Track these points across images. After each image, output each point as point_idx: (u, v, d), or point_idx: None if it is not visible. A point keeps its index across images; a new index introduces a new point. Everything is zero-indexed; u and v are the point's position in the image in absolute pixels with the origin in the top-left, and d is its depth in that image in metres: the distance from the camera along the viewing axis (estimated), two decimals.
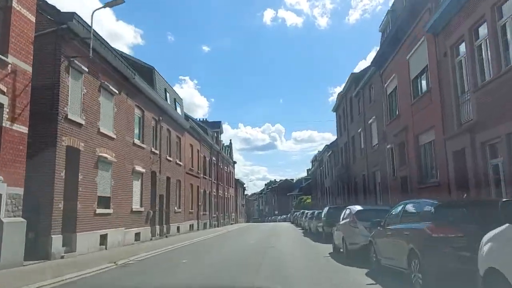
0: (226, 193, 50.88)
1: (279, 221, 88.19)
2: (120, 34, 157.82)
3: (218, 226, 42.40)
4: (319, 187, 56.50)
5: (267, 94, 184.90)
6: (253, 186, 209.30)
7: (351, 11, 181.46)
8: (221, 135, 46.65)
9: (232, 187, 58.07)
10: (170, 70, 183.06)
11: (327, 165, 45.92)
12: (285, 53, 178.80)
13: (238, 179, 64.44)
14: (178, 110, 28.20)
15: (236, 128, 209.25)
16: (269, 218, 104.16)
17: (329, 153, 42.69)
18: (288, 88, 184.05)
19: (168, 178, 24.50)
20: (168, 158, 24.70)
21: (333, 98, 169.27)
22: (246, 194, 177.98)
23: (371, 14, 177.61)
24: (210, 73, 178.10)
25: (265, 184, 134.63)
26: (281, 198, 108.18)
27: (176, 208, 26.21)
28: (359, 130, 27.26)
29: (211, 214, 39.37)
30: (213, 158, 41.28)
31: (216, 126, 44.53)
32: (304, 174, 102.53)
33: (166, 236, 22.90)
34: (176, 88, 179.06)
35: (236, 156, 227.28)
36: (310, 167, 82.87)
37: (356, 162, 29.34)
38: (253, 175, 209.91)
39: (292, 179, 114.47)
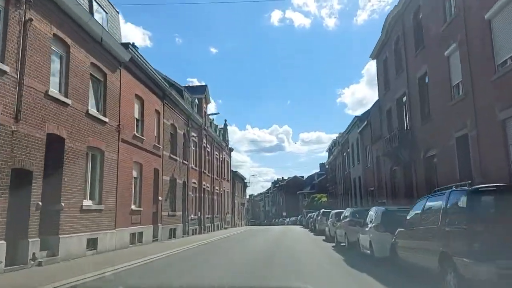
0: (217, 188, 37.75)
1: (287, 224, 75.17)
2: (129, 36, 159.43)
3: (201, 233, 29.29)
4: (341, 180, 43.20)
5: (275, 95, 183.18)
6: (261, 187, 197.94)
7: (359, 11, 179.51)
8: (208, 105, 33.44)
9: (227, 180, 44.93)
10: (178, 72, 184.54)
11: (356, 146, 32.64)
12: (292, 54, 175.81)
13: (236, 172, 51.25)
14: (102, 22, 15.06)
15: (243, 130, 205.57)
16: (276, 221, 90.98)
17: (362, 127, 29.38)
18: (296, 89, 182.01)
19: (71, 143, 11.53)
20: (80, 109, 11.99)
21: (340, 100, 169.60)
22: (252, 194, 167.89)
23: (380, 15, 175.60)
24: (218, 75, 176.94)
25: (272, 183, 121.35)
26: (289, 197, 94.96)
27: (87, 203, 13.17)
28: (446, 53, 13.98)
29: (188, 216, 26.24)
30: (193, 135, 28.22)
31: (199, 91, 31.28)
32: (316, 169, 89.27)
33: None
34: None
35: (243, 157, 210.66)
36: (324, 162, 70.89)
37: (432, 119, 16.04)
38: (261, 176, 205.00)
39: (302, 176, 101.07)
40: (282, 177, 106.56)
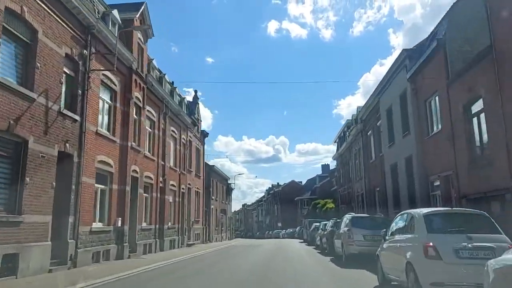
0: (174, 184, 24.35)
1: (283, 237, 61.64)
2: None
3: (123, 257, 15.82)
4: (360, 176, 30.05)
5: (271, 106, 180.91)
6: (257, 199, 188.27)
7: (355, 23, 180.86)
8: (150, 40, 19.98)
9: (198, 176, 31.57)
10: (174, 81, 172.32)
11: (400, 107, 19.35)
12: (289, 65, 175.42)
13: (213, 167, 37.82)
14: None
15: (240, 140, 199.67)
16: (270, 233, 77.32)
17: (419, 64, 16.14)
18: (292, 100, 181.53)
19: None
20: None
21: (336, 111, 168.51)
22: (245, 204, 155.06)
23: (375, 26, 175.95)
24: (213, 85, 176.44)
25: (266, 190, 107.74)
26: (286, 206, 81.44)
27: None
28: None
29: (115, 224, 12.88)
30: (113, 81, 15.01)
31: (131, 9, 18.14)
32: (318, 171, 75.90)
33: None
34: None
35: (240, 168, 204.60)
36: (326, 163, 58.15)
37: None
38: (257, 187, 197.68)
39: (300, 182, 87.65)
40: (278, 183, 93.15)
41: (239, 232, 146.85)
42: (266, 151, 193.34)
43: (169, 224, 22.96)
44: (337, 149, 40.11)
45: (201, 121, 33.49)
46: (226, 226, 45.55)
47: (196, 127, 31.36)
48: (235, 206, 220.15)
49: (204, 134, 34.11)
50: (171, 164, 23.90)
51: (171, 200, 23.68)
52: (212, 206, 36.99)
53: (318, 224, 29.46)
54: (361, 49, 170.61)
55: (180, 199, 25.42)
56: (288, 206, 79.08)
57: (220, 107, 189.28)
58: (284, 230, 65.08)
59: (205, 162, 35.53)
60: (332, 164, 59.68)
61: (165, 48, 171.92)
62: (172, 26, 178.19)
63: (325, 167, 69.24)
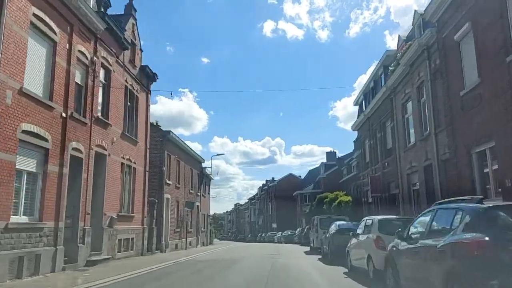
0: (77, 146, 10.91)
1: (279, 241, 48.48)
2: None
3: None
4: (400, 149, 16.90)
5: (267, 107, 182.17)
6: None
7: (351, 24, 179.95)
8: None
9: (133, 142, 18.26)
10: (170, 82, 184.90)
11: None
12: (285, 65, 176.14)
13: (169, 133, 23.91)
14: None
15: (235, 142, 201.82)
16: (263, 236, 64.13)
17: None
18: (288, 101, 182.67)
19: None
20: None
21: (332, 113, 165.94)
22: (237, 203, 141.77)
23: (372, 28, 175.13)
24: (209, 85, 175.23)
25: (259, 187, 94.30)
26: (282, 203, 68.32)
27: None
28: None
29: None
30: None
31: None
32: (322, 159, 62.20)
33: None
34: (175, 101, 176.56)
35: (235, 170, 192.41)
36: (331, 151, 44.93)
37: None
38: (253, 189, 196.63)
39: (300, 176, 74.30)
40: (273, 178, 79.60)
41: (226, 235, 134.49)
42: (262, 152, 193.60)
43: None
44: (362, 111, 26.69)
45: (141, 50, 20.03)
46: (198, 227, 32.09)
47: (130, 57, 18.00)
48: (228, 206, 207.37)
49: (148, 75, 20.62)
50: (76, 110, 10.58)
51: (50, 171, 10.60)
52: (166, 196, 23.53)
53: (343, 223, 16.53)
54: (357, 50, 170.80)
55: (66, 171, 12.14)
56: (285, 203, 65.95)
57: (215, 108, 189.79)
58: (280, 233, 51.76)
59: (152, 124, 22.16)
60: (343, 148, 46.31)
61: (161, 48, 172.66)
62: (167, 26, 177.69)
63: (330, 154, 56.02)
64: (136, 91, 19.22)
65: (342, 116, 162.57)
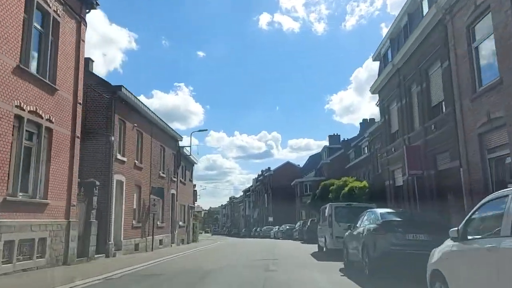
0: None
1: (276, 237, 42.08)
2: (114, 39, 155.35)
3: None
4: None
5: (264, 101, 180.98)
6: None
7: (348, 16, 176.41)
8: None
9: (50, 91, 11.28)
10: (165, 76, 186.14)
11: None
12: (281, 58, 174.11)
13: (120, 89, 17.07)
14: None
15: (232, 136, 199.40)
16: (259, 230, 57.65)
17: None
18: (284, 95, 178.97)
19: None
20: None
21: (328, 106, 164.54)
22: (233, 197, 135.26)
23: (368, 20, 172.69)
24: (205, 79, 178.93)
25: (254, 178, 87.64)
26: (279, 195, 61.77)
27: None
28: None
29: None
30: None
31: None
32: (323, 141, 55.16)
33: None
34: (171, 95, 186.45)
35: (231, 164, 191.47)
36: (335, 134, 38.22)
37: None
38: (249, 183, 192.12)
39: (298, 165, 67.61)
40: (268, 168, 72.75)
41: (220, 229, 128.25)
42: (258, 146, 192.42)
43: None
44: (385, 65, 19.79)
45: None
46: (173, 221, 25.30)
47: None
48: (225, 200, 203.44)
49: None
50: None
51: None
52: (118, 177, 16.68)
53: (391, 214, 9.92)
54: (354, 43, 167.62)
55: None
56: (283, 195, 59.32)
57: (211, 102, 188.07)
58: (277, 227, 45.07)
59: (91, 73, 15.33)
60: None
61: (156, 41, 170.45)
62: (162, 19, 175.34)
63: (334, 138, 49.22)
64: (56, 12, 12.31)
65: (339, 109, 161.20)
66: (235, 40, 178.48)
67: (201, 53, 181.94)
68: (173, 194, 25.50)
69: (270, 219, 61.38)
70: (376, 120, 33.05)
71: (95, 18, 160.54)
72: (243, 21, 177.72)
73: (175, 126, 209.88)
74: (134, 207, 18.89)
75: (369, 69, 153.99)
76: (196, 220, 40.10)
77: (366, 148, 34.66)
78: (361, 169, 34.87)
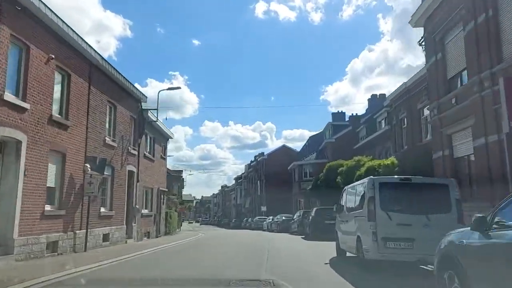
0: None
1: (269, 229, 35.75)
2: (108, 25, 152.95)
3: None
4: None
5: (259, 91, 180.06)
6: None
7: (345, 6, 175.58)
8: None
9: None
10: (160, 64, 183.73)
11: None
12: (277, 48, 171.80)
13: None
14: None
15: (226, 126, 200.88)
16: (250, 221, 51.34)
17: None
18: (280, 85, 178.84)
19: None
20: None
21: (324, 97, 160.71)
22: (225, 185, 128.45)
23: (365, 11, 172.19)
24: (200, 68, 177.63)
25: (246, 165, 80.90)
26: (273, 182, 55.35)
27: None
28: None
29: None
30: None
31: None
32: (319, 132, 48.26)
33: None
34: (166, 84, 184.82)
35: (226, 154, 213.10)
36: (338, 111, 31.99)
37: None
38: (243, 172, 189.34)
39: (295, 149, 60.80)
40: (262, 152, 65.94)
41: (212, 219, 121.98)
42: (253, 137, 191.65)
43: None
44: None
45: None
46: (131, 208, 18.40)
47: None
48: (216, 190, 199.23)
49: None
50: None
51: None
52: (10, 134, 9.74)
53: None
54: (350, 33, 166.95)
55: None
56: (278, 182, 52.88)
57: (206, 91, 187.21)
58: (271, 218, 38.45)
59: None
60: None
61: (151, 28, 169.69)
62: (157, 6, 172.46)
63: (338, 115, 42.41)
64: None
65: (334, 100, 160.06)
66: (231, 29, 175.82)
67: (196, 42, 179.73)
68: (131, 172, 18.67)
69: (263, 208, 54.89)
70: (387, 95, 26.51)
71: (88, 3, 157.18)
72: (239, 10, 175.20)
73: (170, 115, 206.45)
74: (51, 184, 12.06)
75: (365, 60, 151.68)
76: (172, 208, 33.41)
77: (383, 121, 28.04)
78: (376, 148, 28.28)
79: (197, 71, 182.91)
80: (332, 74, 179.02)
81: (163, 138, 25.49)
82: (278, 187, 53.90)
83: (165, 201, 25.91)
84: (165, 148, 26.53)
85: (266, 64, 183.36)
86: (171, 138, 27.46)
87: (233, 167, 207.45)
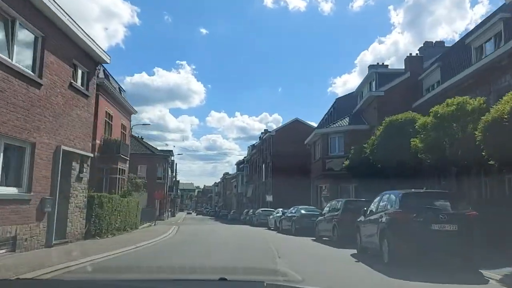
0: None
1: (279, 229, 22.93)
2: (116, 12, 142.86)
3: None
4: None
5: (266, 82, 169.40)
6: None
7: None
8: None
9: None
10: (167, 53, 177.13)
11: None
12: (286, 39, 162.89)
13: None
14: None
15: (233, 117, 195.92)
16: (251, 214, 39.29)
17: None
18: (287, 77, 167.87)
19: None
20: None
21: (331, 89, 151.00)
22: (226, 173, 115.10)
23: (376, 1, 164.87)
24: (207, 58, 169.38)
25: (249, 147, 68.19)
26: (282, 165, 43.07)
27: None
28: None
29: None
30: None
31: None
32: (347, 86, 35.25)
33: None
34: (173, 73, 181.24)
35: (231, 145, 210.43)
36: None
37: None
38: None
39: (311, 125, 47.93)
40: (266, 130, 52.95)
41: (207, 209, 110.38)
42: (259, 128, 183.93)
43: None
44: None
45: None
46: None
47: None
48: (216, 178, 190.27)
49: None
50: None
51: None
52: None
53: None
54: (361, 25, 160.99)
55: None
56: (288, 164, 40.67)
57: (213, 81, 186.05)
58: (280, 211, 25.95)
59: None
60: None
61: (158, 16, 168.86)
62: None
63: (379, 69, 29.53)
64: None
65: (342, 92, 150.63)
66: (239, 18, 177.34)
67: (204, 30, 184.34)
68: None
69: (268, 198, 42.46)
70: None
71: None
72: None
73: (177, 105, 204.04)
74: None
75: (376, 52, 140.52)
76: (130, 193, 21.11)
77: (490, 42, 15.39)
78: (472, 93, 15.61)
79: (205, 60, 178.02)
80: (341, 66, 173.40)
81: (76, 48, 12.92)
82: (288, 171, 41.54)
83: (85, 174, 13.43)
84: (89, 75, 13.97)
85: (274, 55, 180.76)
86: (107, 62, 14.87)
87: (239, 158, 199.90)
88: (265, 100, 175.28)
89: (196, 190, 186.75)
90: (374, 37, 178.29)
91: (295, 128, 46.43)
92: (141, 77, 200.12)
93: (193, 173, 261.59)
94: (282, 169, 43.03)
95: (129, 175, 25.91)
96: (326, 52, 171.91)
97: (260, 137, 57.54)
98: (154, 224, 32.50)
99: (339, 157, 24.95)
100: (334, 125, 27.20)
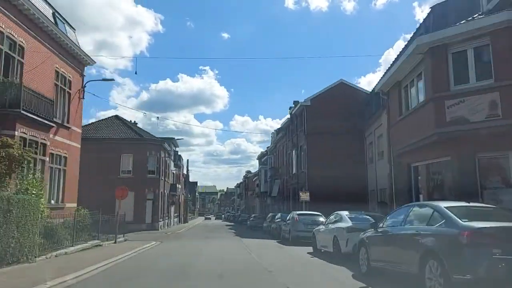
0: None
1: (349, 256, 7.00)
2: (140, 21, 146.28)
3: None
4: None
5: (288, 84, 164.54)
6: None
7: None
8: None
9: None
10: (191, 59, 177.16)
11: None
12: (308, 39, 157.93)
13: None
14: None
15: (256, 120, 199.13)
16: (277, 221, 24.58)
17: None
18: (310, 78, 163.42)
19: None
20: None
21: None
22: (249, 171, 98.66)
23: None
24: (229, 62, 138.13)
25: (273, 132, 53.45)
26: (319, 145, 28.62)
27: None
28: None
29: None
30: None
31: None
32: None
33: None
34: (197, 79, 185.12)
35: (256, 148, 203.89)
36: None
37: None
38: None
39: (361, 88, 33.21)
40: (297, 101, 38.11)
41: (228, 213, 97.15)
42: None
43: None
44: None
45: None
46: None
47: None
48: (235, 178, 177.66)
49: None
50: None
51: None
52: None
53: None
54: (384, 23, 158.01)
55: None
56: (332, 147, 26.46)
57: (236, 85, 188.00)
58: (349, 220, 11.67)
59: None
60: None
61: (181, 23, 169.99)
62: (187, 0, 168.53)
63: None
64: None
65: None
66: (260, 21, 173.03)
67: (225, 35, 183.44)
68: None
69: (304, 197, 27.72)
70: None
71: None
72: (269, 0, 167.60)
73: (201, 110, 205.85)
74: None
75: (400, 50, 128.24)
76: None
77: None
78: None
79: (227, 65, 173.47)
80: (365, 66, 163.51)
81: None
82: (332, 154, 27.38)
83: None
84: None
85: (296, 56, 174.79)
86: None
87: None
88: (289, 103, 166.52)
89: (219, 193, 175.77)
90: (399, 35, 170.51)
91: (339, 91, 31.87)
92: (165, 84, 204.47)
93: (219, 177, 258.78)
94: (322, 153, 28.62)
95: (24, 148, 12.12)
96: (350, 52, 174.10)
97: (290, 113, 42.19)
98: (114, 242, 18.77)
99: (478, 91, 10.47)
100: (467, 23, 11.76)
